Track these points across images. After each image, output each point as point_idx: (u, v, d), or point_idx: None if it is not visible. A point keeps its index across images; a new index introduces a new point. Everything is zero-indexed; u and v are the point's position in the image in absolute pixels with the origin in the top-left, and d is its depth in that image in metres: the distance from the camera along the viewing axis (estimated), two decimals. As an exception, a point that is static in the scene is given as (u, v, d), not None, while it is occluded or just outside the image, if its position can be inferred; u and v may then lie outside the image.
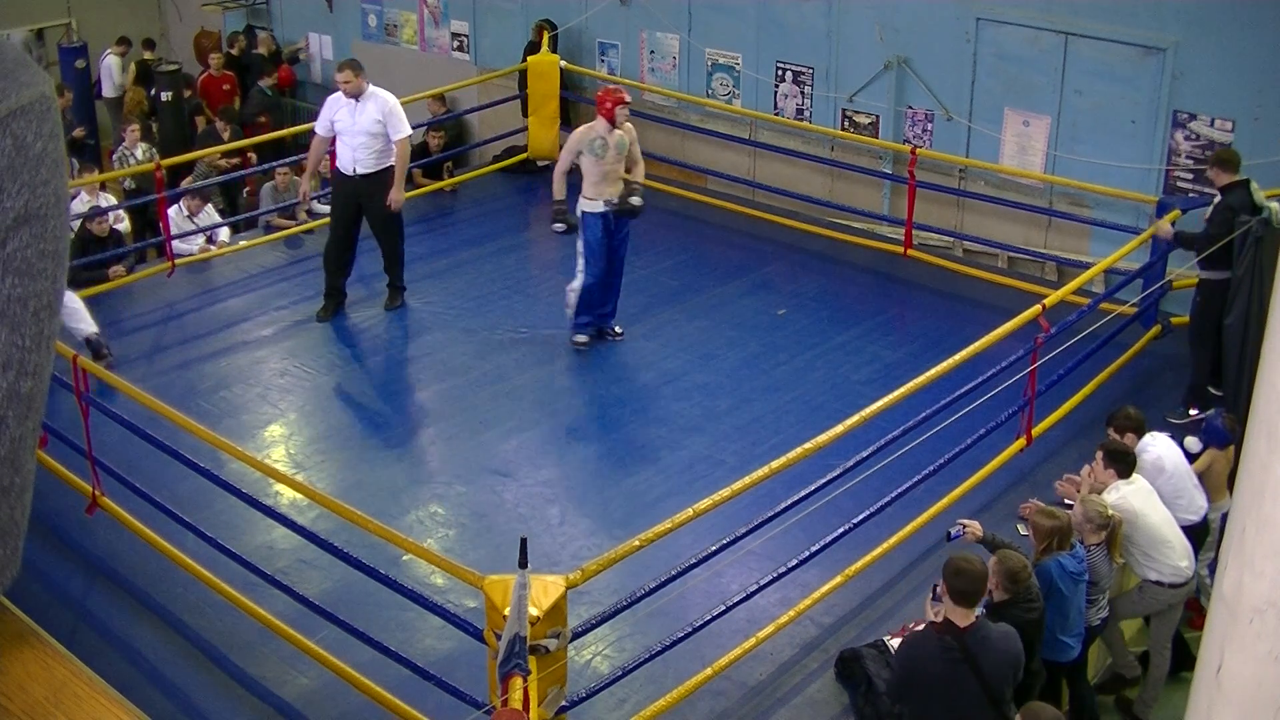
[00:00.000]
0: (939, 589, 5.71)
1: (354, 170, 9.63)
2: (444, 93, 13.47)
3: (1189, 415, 8.26)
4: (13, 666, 1.27)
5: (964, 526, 6.56)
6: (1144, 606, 7.02)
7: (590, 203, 9.17)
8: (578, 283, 9.36)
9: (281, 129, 13.20)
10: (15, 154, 1.05)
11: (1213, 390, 8.66)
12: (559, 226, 9.36)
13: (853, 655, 6.34)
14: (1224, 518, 7.40)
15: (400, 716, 5.94)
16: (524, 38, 13.41)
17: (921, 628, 5.82)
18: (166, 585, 7.12)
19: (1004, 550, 6.19)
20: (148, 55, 16.00)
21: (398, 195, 9.70)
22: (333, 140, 9.84)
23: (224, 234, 11.48)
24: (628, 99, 9.28)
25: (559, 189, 9.41)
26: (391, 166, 9.66)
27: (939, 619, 5.64)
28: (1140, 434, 7.24)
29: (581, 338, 9.55)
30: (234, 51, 15.40)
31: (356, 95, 9.51)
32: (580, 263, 9.34)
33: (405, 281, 10.37)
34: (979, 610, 5.67)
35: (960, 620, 5.54)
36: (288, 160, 12.13)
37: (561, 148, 9.57)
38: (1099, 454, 7.03)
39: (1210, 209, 8.62)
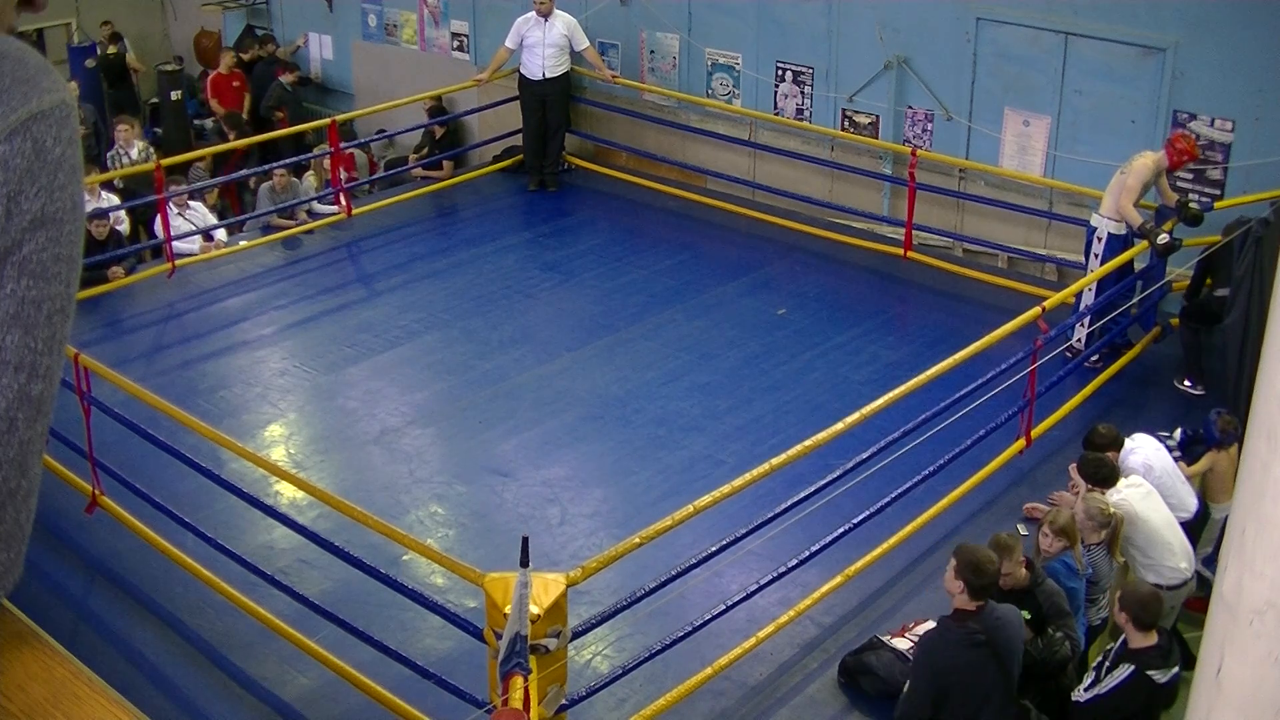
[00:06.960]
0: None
1: (542, 75, 12.28)
2: (443, 93, 13.45)
3: (1184, 385, 9.08)
4: (13, 666, 1.27)
5: None
6: None
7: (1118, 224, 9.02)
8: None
9: (298, 123, 13.22)
10: (34, 158, 1.05)
11: (1187, 387, 9.00)
12: (1164, 239, 8.84)
13: (858, 666, 6.31)
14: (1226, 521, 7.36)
15: (400, 716, 5.94)
16: (524, 38, 13.39)
17: (934, 625, 5.84)
18: (166, 585, 7.12)
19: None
20: (111, 50, 15.91)
21: (605, 73, 12.64)
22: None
23: (220, 234, 11.49)
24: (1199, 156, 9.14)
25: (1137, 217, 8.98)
26: (569, 72, 12.55)
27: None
28: (1118, 449, 7.10)
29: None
30: (246, 57, 15.39)
31: (547, 15, 12.21)
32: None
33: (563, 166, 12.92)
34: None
35: (971, 606, 5.60)
36: (287, 161, 12.14)
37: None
38: (1080, 481, 6.90)
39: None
